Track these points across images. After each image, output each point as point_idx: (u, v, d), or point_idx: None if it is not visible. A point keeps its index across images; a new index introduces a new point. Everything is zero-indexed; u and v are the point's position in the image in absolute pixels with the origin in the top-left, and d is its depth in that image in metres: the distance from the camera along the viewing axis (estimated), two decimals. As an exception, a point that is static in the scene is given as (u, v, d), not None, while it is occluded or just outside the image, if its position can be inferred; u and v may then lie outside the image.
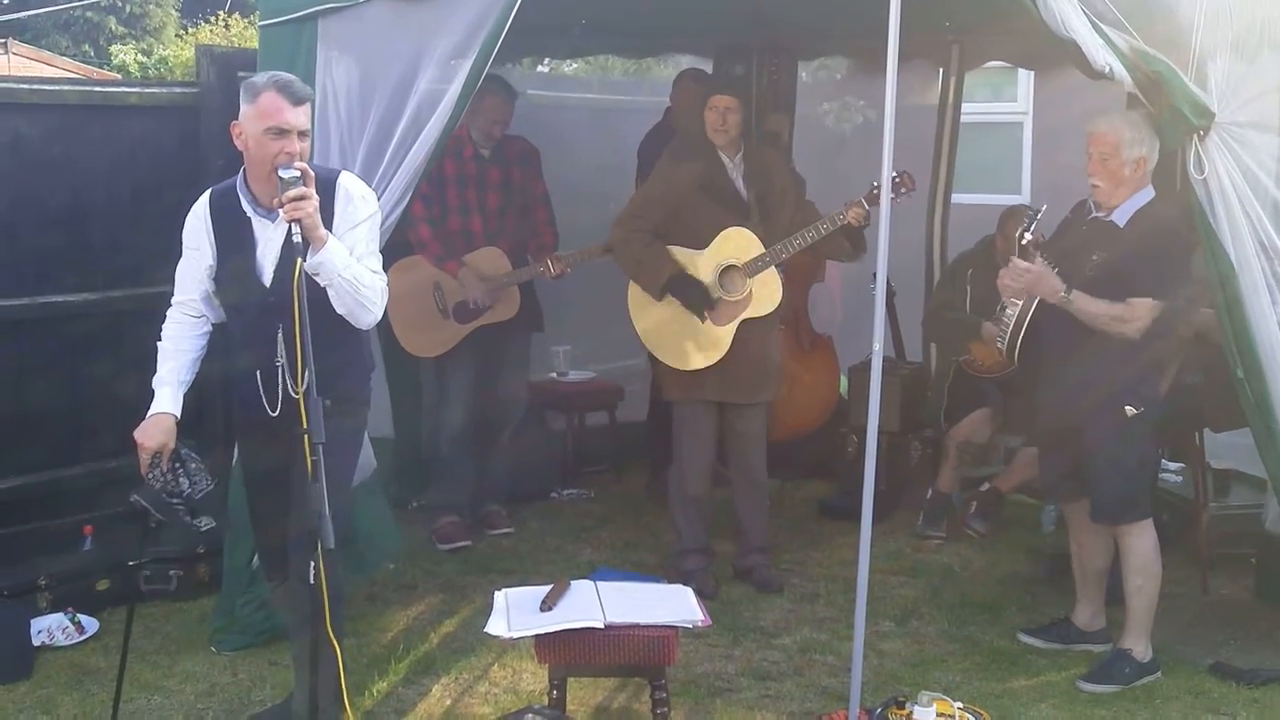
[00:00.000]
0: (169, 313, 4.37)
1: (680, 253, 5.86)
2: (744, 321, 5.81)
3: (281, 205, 3.92)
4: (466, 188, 6.53)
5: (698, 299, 5.81)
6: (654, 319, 5.94)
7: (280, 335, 4.13)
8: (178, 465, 4.19)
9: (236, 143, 4.16)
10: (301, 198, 3.88)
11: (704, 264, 5.83)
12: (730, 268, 5.80)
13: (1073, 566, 5.44)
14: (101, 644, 5.30)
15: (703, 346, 5.84)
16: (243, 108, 4.12)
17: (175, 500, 4.17)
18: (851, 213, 5.61)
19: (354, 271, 4.06)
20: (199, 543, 5.69)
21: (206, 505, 4.27)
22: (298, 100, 4.07)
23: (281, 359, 4.14)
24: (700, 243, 5.83)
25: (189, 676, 5.05)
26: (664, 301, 5.87)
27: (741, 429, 6.02)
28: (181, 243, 4.34)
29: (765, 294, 5.80)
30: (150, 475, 4.14)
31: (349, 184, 4.28)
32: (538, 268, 6.52)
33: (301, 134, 4.07)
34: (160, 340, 4.35)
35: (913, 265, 7.70)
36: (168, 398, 4.24)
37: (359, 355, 4.44)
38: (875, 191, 5.44)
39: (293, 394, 4.03)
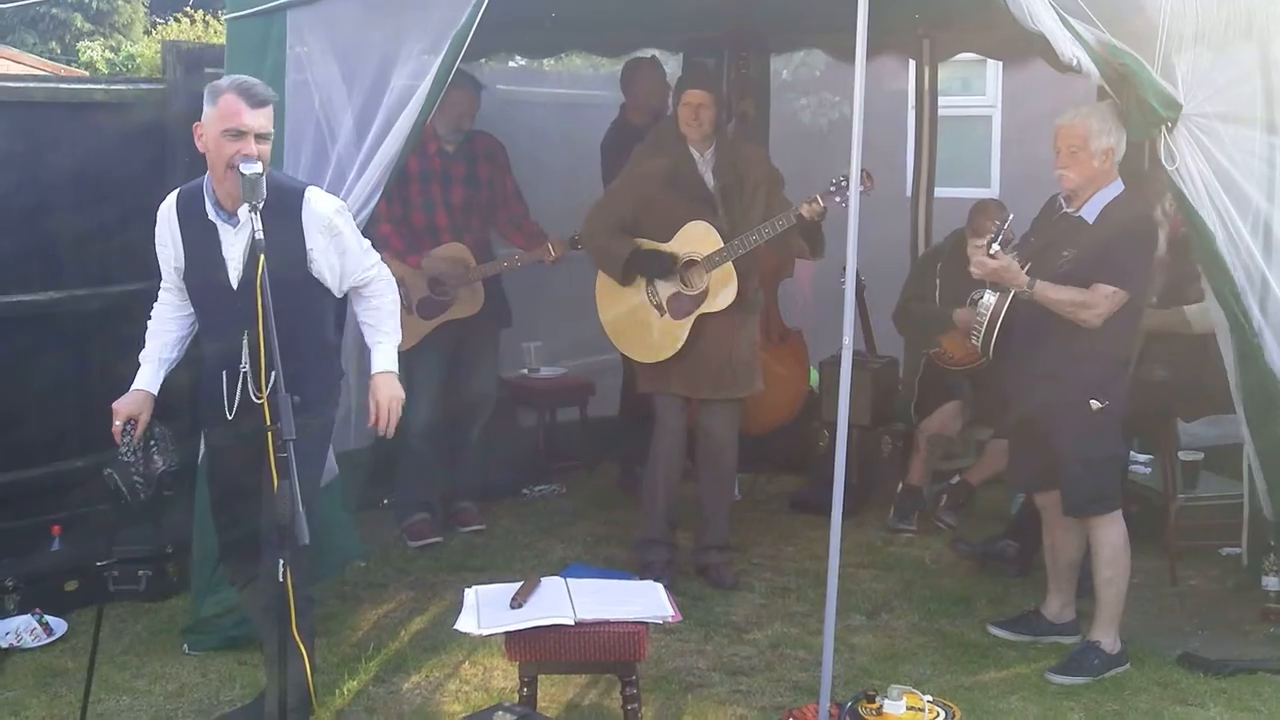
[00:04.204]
0: (160, 293, 4.53)
1: (647, 244, 5.87)
2: (705, 317, 5.82)
3: (242, 206, 4.05)
4: (430, 183, 6.51)
5: (660, 266, 5.83)
6: (617, 311, 5.99)
7: (245, 341, 4.18)
8: (151, 443, 4.33)
9: (198, 144, 4.24)
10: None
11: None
12: (690, 262, 5.81)
13: (1045, 558, 5.47)
14: (70, 645, 5.26)
15: (659, 340, 5.87)
16: (205, 110, 4.20)
17: (138, 479, 4.27)
18: (805, 208, 5.60)
19: (396, 319, 4.51)
20: (166, 541, 5.68)
21: (168, 482, 4.42)
22: (257, 103, 4.13)
23: (245, 365, 4.20)
24: (664, 235, 5.85)
25: (158, 677, 5.02)
26: (628, 292, 5.90)
27: (708, 425, 6.02)
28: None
29: (721, 289, 5.80)
30: (122, 445, 4.27)
31: (316, 201, 4.35)
32: (537, 253, 6.49)
33: (260, 136, 4.13)
34: (150, 319, 4.53)
35: (886, 260, 7.69)
36: (146, 374, 4.42)
37: (324, 362, 4.50)
38: (831, 189, 5.48)
39: (254, 399, 4.15)
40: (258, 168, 3.98)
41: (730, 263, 5.75)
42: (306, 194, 4.33)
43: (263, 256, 3.89)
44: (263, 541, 4.15)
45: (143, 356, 4.45)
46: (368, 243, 4.52)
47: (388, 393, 4.40)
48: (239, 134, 4.09)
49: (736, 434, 6.12)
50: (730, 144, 6.02)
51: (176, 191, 4.40)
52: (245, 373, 4.20)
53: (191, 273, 4.35)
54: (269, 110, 4.17)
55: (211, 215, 4.25)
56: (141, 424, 4.30)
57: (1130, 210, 4.91)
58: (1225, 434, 5.82)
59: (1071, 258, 4.90)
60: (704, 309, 5.81)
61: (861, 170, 5.41)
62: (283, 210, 4.18)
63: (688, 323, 5.83)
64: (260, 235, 3.91)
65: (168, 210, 4.37)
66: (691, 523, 6.25)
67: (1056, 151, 4.93)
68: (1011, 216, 5.10)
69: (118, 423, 4.28)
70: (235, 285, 4.21)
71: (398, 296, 4.58)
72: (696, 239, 5.80)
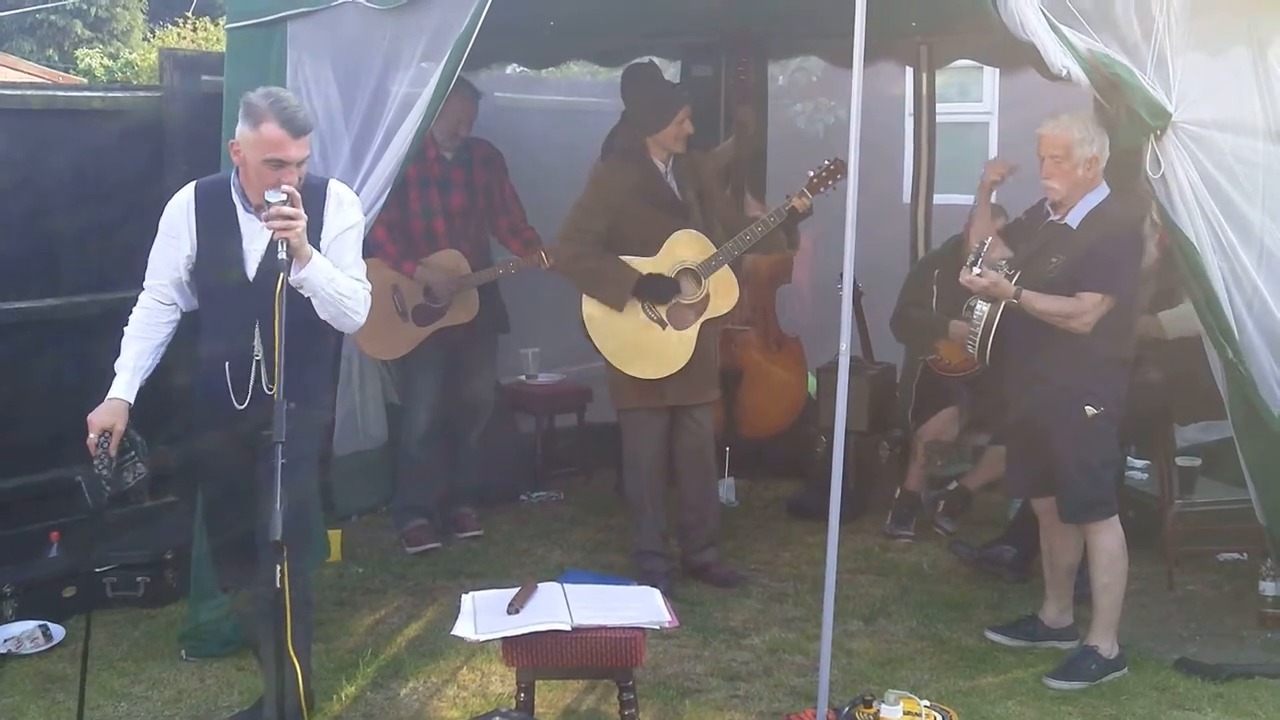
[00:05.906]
0: (140, 297, 4.41)
1: (633, 261, 5.82)
2: (703, 323, 5.84)
3: (266, 214, 3.96)
4: (429, 189, 6.51)
5: (667, 291, 5.80)
6: (620, 339, 5.84)
7: (257, 330, 4.17)
8: (131, 453, 4.26)
9: (234, 159, 4.20)
10: (286, 217, 3.91)
11: (658, 270, 5.82)
12: (684, 270, 5.81)
13: (1043, 563, 5.47)
14: (69, 651, 5.26)
15: (669, 353, 5.83)
16: (241, 128, 4.14)
17: (107, 489, 4.21)
18: (796, 201, 5.71)
19: (337, 285, 4.11)
20: (165, 547, 5.69)
21: (134, 494, 4.39)
22: (299, 132, 4.09)
23: (258, 354, 4.18)
24: (646, 249, 5.80)
25: (156, 683, 5.03)
26: (623, 317, 5.80)
27: (694, 428, 6.02)
28: (159, 229, 4.36)
29: (722, 293, 5.82)
30: (96, 455, 4.19)
31: (340, 191, 4.35)
32: (531, 259, 6.48)
33: (300, 163, 4.11)
34: (127, 326, 4.39)
35: (884, 266, 7.70)
36: (123, 383, 4.28)
37: (318, 365, 4.47)
38: (813, 179, 5.73)
39: (266, 391, 4.11)
40: (283, 196, 3.95)
41: (727, 266, 5.78)
42: (330, 187, 4.32)
43: (283, 275, 3.88)
44: (259, 545, 4.15)
45: (118, 364, 4.32)
46: (363, 266, 4.40)
47: None
48: (280, 164, 4.06)
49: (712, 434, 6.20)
50: (682, 153, 5.96)
51: (194, 185, 4.36)
52: (259, 361, 4.18)
53: (205, 266, 4.30)
54: (309, 136, 4.14)
55: (237, 203, 4.23)
56: (117, 434, 4.19)
57: (1114, 214, 4.93)
58: (1224, 436, 5.81)
59: (1059, 264, 4.92)
60: (707, 315, 5.82)
61: (836, 158, 5.61)
62: (310, 202, 4.13)
63: (694, 331, 5.82)
64: (284, 256, 3.90)
65: (185, 199, 4.32)
66: (677, 529, 6.24)
67: (1040, 160, 4.95)
68: (989, 240, 5.13)
69: (93, 435, 4.18)
70: (252, 275, 4.21)
71: (365, 312, 4.40)
72: (687, 247, 5.80)
